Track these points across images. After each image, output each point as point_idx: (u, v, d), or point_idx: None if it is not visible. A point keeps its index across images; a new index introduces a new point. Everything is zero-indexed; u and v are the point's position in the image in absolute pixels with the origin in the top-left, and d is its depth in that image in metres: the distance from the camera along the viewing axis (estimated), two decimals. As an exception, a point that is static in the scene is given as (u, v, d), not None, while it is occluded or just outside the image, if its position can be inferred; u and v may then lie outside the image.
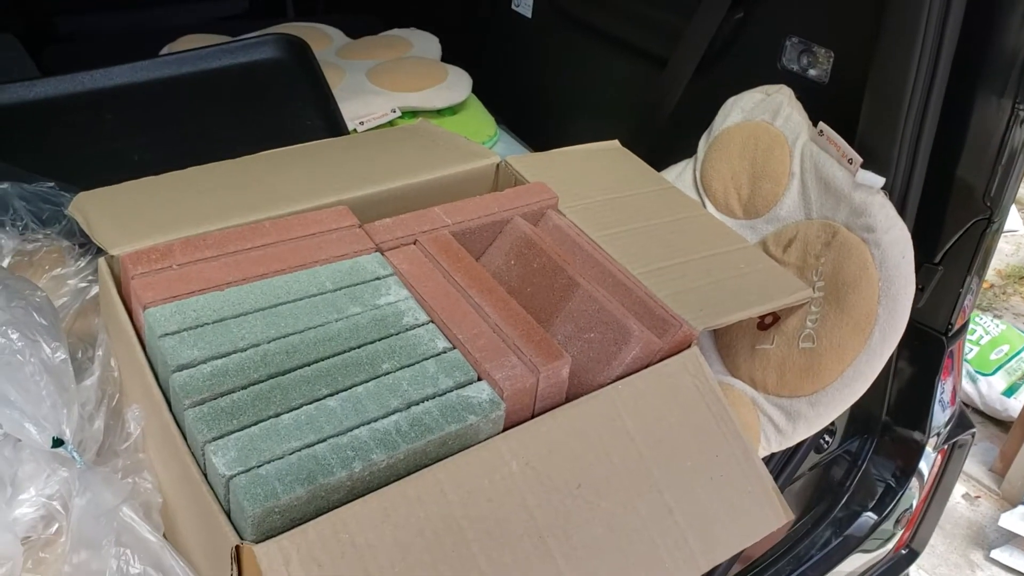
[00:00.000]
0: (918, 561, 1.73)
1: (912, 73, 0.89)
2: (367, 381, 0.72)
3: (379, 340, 0.76)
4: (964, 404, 2.27)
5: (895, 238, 0.90)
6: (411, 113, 1.36)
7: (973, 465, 2.11)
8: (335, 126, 1.24)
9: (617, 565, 0.72)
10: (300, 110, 1.27)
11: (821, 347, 0.91)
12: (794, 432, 0.92)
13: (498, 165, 1.05)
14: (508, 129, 1.53)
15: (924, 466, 1.09)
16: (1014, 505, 1.96)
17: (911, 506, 1.11)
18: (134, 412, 0.77)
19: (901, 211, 0.93)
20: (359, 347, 0.75)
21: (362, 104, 1.32)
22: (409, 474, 0.68)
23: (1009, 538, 1.88)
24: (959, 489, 2.05)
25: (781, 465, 0.98)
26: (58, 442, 0.70)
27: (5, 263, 0.94)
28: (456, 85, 1.41)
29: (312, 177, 0.97)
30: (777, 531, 0.84)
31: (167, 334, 0.73)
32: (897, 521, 1.10)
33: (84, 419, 0.78)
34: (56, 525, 0.75)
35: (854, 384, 0.90)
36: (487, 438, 0.73)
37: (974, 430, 1.16)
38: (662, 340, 0.83)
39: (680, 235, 0.99)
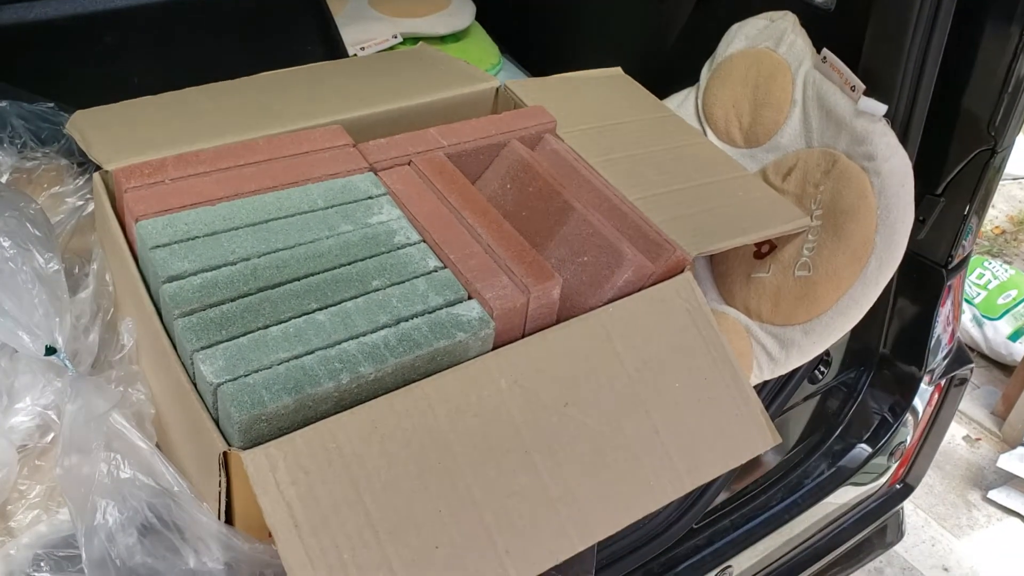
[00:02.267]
0: (915, 499, 1.75)
1: (918, -3, 0.87)
2: (356, 297, 0.73)
3: (370, 258, 0.76)
4: (969, 348, 2.27)
5: (895, 167, 0.89)
6: (413, 39, 1.35)
7: (975, 408, 2.12)
8: (335, 51, 1.23)
9: (601, 481, 0.73)
10: (301, 35, 1.25)
11: (817, 275, 0.91)
12: (787, 360, 0.92)
13: (497, 89, 1.04)
14: (512, 58, 1.51)
15: (920, 401, 1.09)
16: (1013, 447, 1.97)
17: (906, 440, 1.11)
18: (127, 324, 0.78)
19: (903, 140, 0.92)
20: (349, 264, 0.75)
21: (363, 30, 1.30)
22: (397, 388, 0.69)
23: (1007, 479, 1.89)
24: (959, 431, 2.05)
25: (774, 393, 0.99)
26: (51, 350, 0.71)
27: (3, 179, 0.94)
28: (459, 11, 1.39)
29: (308, 98, 0.96)
30: (769, 459, 0.84)
31: (158, 246, 0.73)
32: (891, 454, 1.10)
33: (79, 331, 0.78)
34: (51, 434, 0.77)
35: (849, 312, 0.90)
36: (476, 356, 0.73)
37: (972, 365, 1.16)
38: (655, 264, 0.83)
39: (679, 162, 0.98)
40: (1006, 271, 2.31)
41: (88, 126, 0.89)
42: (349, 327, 0.70)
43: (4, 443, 0.73)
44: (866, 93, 0.92)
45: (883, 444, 1.07)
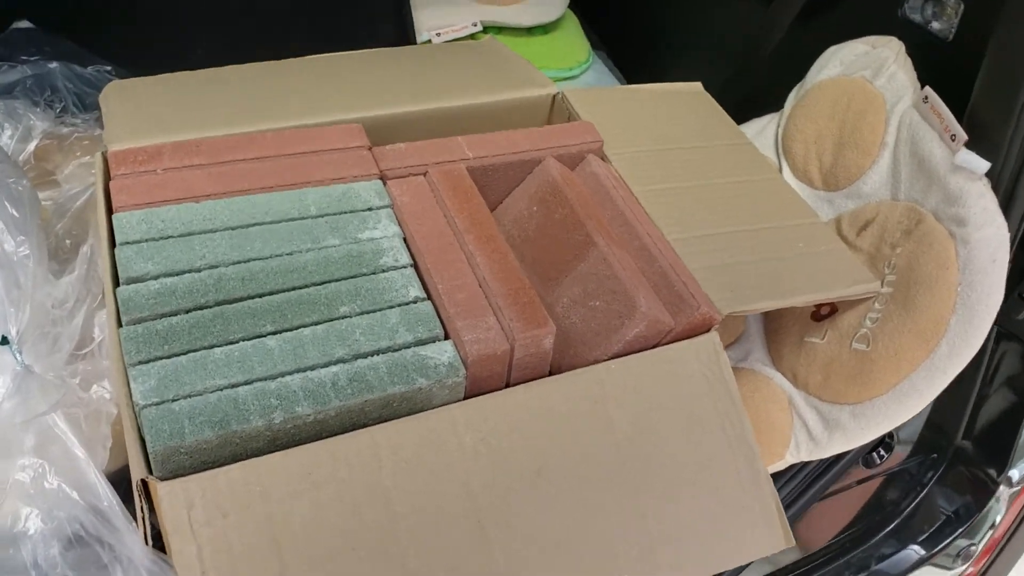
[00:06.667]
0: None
1: (1045, 37, 0.72)
2: (317, 324, 0.66)
3: (346, 279, 0.70)
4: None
5: (988, 236, 0.75)
6: (495, 29, 1.26)
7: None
8: (404, 35, 1.16)
9: (563, 567, 0.64)
10: (372, 14, 1.19)
11: (876, 352, 0.78)
12: (829, 443, 0.80)
13: (554, 97, 0.95)
14: (607, 56, 1.40)
15: (1001, 505, 0.93)
16: None
17: (977, 543, 0.96)
18: (101, 317, 0.75)
19: (1006, 205, 0.77)
20: (321, 284, 0.69)
21: (441, 14, 1.23)
22: (343, 432, 0.62)
23: None
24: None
25: (817, 473, 0.86)
26: (4, 340, 0.68)
27: (32, 145, 0.93)
28: (549, 1, 1.29)
29: (342, 89, 0.90)
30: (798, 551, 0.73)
31: (127, 243, 0.69)
32: (957, 556, 0.95)
33: (64, 316, 0.75)
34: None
35: (907, 401, 0.76)
36: (442, 405, 0.66)
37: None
38: (675, 320, 0.73)
39: (739, 200, 0.87)
40: None
41: (115, 98, 0.86)
42: (299, 358, 0.64)
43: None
44: (968, 144, 0.77)
45: (940, 549, 0.92)
